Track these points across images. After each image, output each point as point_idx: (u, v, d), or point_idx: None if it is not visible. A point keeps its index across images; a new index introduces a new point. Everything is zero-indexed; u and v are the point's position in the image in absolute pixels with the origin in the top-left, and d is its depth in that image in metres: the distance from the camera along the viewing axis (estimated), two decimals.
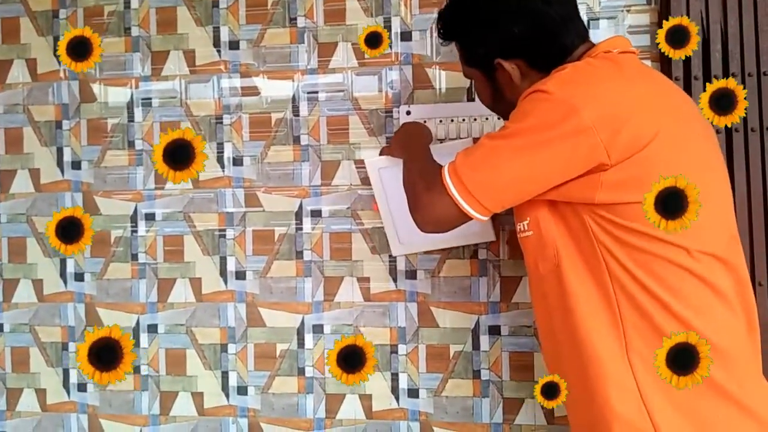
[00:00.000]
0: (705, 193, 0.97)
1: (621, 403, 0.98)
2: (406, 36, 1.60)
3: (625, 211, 0.96)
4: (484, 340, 1.58)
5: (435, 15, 1.55)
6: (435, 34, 1.57)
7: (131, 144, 1.71)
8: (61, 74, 1.74)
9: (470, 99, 1.57)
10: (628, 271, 0.97)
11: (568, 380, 1.08)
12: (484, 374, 1.58)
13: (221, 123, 1.67)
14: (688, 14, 1.43)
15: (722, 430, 0.97)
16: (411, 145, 1.32)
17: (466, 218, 1.03)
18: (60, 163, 1.75)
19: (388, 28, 1.60)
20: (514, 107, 1.02)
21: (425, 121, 1.56)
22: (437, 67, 1.59)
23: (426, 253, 1.59)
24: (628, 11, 1.52)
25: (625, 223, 0.96)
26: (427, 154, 1.29)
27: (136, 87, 1.71)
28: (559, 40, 1.06)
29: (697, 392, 0.96)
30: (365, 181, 1.60)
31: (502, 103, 1.15)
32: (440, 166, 1.07)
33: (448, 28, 1.17)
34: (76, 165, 1.74)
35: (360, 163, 1.62)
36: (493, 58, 1.09)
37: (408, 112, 1.59)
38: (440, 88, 1.59)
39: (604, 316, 1.00)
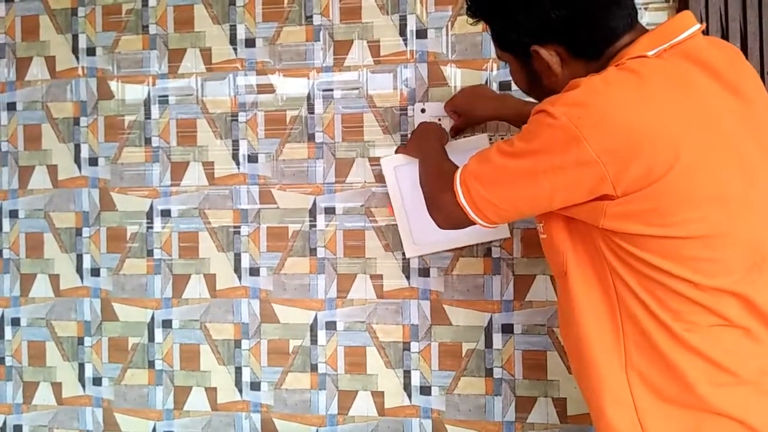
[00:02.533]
0: (726, 224, 0.89)
1: (616, 416, 0.97)
2: (421, 33, 1.60)
3: (631, 239, 0.91)
4: (497, 339, 1.57)
5: (450, 12, 1.56)
6: (451, 31, 1.58)
7: (148, 141, 1.73)
8: (80, 71, 1.76)
9: None
10: (633, 293, 0.95)
11: (583, 390, 1.08)
12: (497, 372, 1.57)
13: (237, 120, 1.68)
14: (706, 11, 1.42)
15: None
16: (426, 146, 1.33)
17: (475, 223, 1.05)
18: (77, 159, 1.76)
19: (404, 25, 1.60)
20: (553, 94, 0.95)
21: (440, 119, 1.56)
22: (453, 65, 1.59)
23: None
24: (645, 9, 1.51)
25: (631, 250, 0.92)
26: (443, 154, 1.30)
27: (153, 84, 1.73)
28: (602, 23, 0.95)
29: (694, 414, 0.94)
30: (379, 178, 1.61)
31: (539, 90, 1.06)
32: (455, 167, 1.08)
33: (476, 5, 1.05)
34: (93, 161, 1.76)
35: (374, 161, 1.62)
36: (529, 44, 0.99)
37: (423, 110, 1.59)
38: (455, 86, 1.59)
39: (607, 329, 0.98)
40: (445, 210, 1.10)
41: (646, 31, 0.97)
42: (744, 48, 1.40)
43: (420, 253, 1.57)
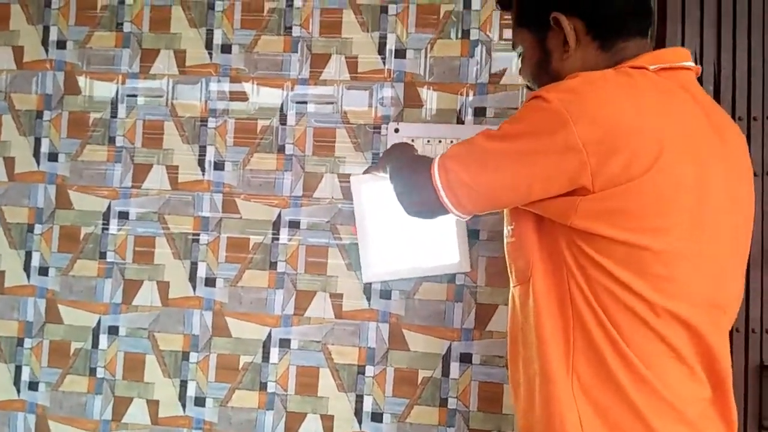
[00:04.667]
0: (696, 244, 0.90)
1: (560, 424, 0.94)
2: (400, 53, 1.59)
3: (597, 242, 0.90)
4: (455, 368, 1.53)
5: (431, 35, 1.56)
6: (430, 53, 1.57)
7: (112, 140, 1.68)
8: (48, 64, 1.71)
9: (460, 121, 1.56)
10: (589, 304, 0.93)
11: (520, 400, 1.05)
12: (452, 403, 1.53)
13: (206, 126, 1.64)
14: None
15: None
16: (400, 154, 1.29)
17: (446, 211, 1.00)
18: (37, 153, 1.70)
19: (383, 44, 1.59)
20: (557, 81, 0.97)
21: (413, 140, 1.54)
22: (429, 87, 1.58)
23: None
24: None
25: (594, 256, 0.91)
26: (419, 156, 1.28)
27: (123, 83, 1.68)
28: (625, 10, 0.99)
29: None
30: (347, 195, 1.57)
31: (545, 75, 1.05)
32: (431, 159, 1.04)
33: None
34: (53, 157, 1.70)
35: (343, 177, 1.59)
36: (550, 10, 1.00)
37: (396, 130, 1.57)
38: (431, 108, 1.58)
39: (559, 339, 0.96)
40: (413, 193, 1.05)
41: (650, 50, 1.00)
42: (716, 91, 1.42)
43: (377, 279, 1.54)
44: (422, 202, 1.04)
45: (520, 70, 1.16)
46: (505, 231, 1.09)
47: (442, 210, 1.01)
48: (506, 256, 1.10)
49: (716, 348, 0.94)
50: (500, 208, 1.03)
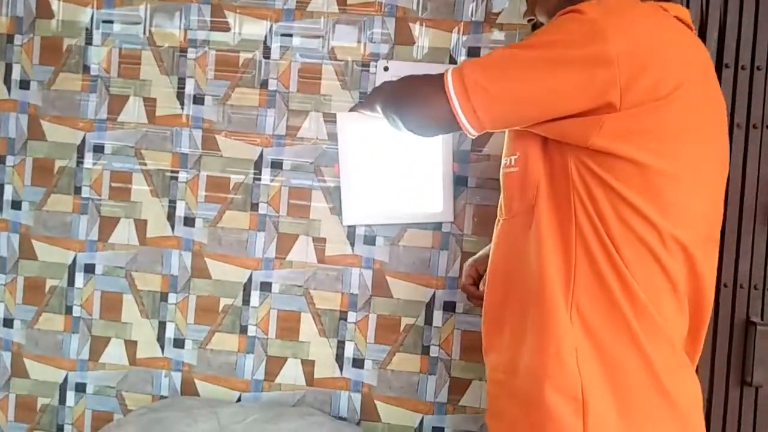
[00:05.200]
0: (702, 176, 0.93)
1: (556, 356, 0.92)
2: None
3: (612, 164, 0.90)
4: (438, 316, 1.51)
5: None
6: None
7: (86, 69, 1.59)
8: None
9: (452, 61, 1.48)
10: (596, 233, 0.92)
11: (506, 333, 1.02)
12: (434, 351, 1.51)
13: (185, 56, 1.56)
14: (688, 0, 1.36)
15: (640, 403, 0.93)
16: (389, 87, 1.21)
17: (455, 126, 0.94)
18: (8, 81, 1.61)
19: None
20: None
21: None
22: (422, 23, 1.50)
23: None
24: None
25: (607, 179, 0.90)
26: None
27: (99, 7, 1.58)
28: None
29: (630, 371, 0.92)
30: (333, 136, 1.51)
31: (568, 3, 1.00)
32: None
33: None
34: (24, 84, 1.61)
35: (329, 117, 1.52)
36: None
37: (386, 68, 1.50)
38: (423, 46, 1.50)
39: (561, 267, 0.94)
40: (421, 105, 0.97)
41: None
42: (721, 40, 1.35)
43: (358, 222, 1.50)
44: (429, 113, 0.97)
45: (527, 11, 1.13)
46: (504, 162, 1.05)
47: (451, 123, 0.94)
48: (503, 190, 1.05)
49: (706, 284, 0.97)
50: (514, 124, 0.97)
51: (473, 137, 1.01)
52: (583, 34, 0.87)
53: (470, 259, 1.31)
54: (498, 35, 1.48)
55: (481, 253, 1.31)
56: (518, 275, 1.01)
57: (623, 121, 0.88)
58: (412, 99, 0.99)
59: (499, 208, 1.08)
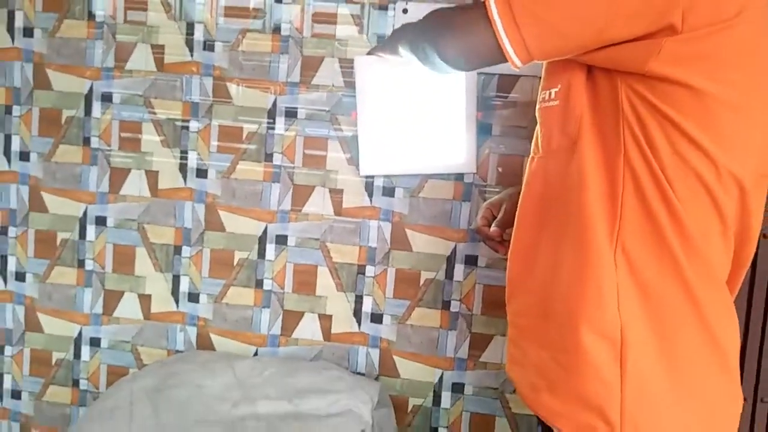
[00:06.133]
0: (760, 108, 0.86)
1: (596, 298, 0.88)
2: None
3: (668, 92, 0.83)
4: (459, 270, 1.46)
5: None
6: None
7: (92, 16, 1.52)
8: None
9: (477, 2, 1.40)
10: (649, 166, 0.86)
11: (537, 274, 0.98)
12: (454, 306, 1.46)
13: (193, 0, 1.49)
14: None
15: (684, 343, 0.89)
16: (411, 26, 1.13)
17: (499, 56, 0.87)
18: (11, 29, 1.55)
19: None
20: None
21: None
22: None
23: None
24: None
25: (662, 107, 0.84)
26: None
27: None
28: None
29: (676, 311, 0.88)
30: (350, 84, 1.44)
31: None
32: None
33: None
34: (28, 32, 1.54)
35: (345, 63, 1.45)
36: None
37: (405, 11, 1.42)
38: None
39: (606, 204, 0.88)
40: (460, 29, 0.89)
41: None
42: None
43: (376, 173, 1.44)
44: (470, 42, 0.88)
45: None
46: (542, 96, 0.98)
47: (495, 52, 0.86)
48: (540, 125, 0.99)
49: (754, 222, 0.92)
50: (566, 53, 0.89)
51: (518, 69, 0.93)
52: None
53: (486, 202, 1.26)
54: None
55: (498, 196, 1.25)
56: (554, 214, 0.95)
57: (684, 44, 0.81)
58: (449, 27, 0.90)
59: (534, 146, 1.01)
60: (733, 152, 0.85)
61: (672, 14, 0.80)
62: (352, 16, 1.45)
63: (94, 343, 1.58)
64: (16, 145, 1.57)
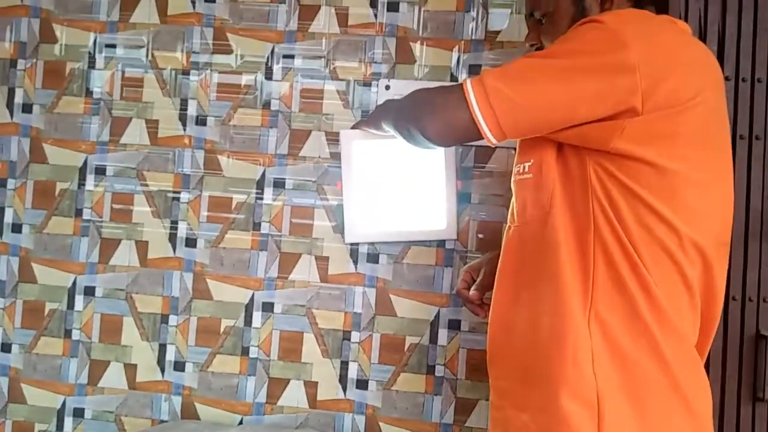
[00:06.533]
0: (716, 182, 0.95)
1: (572, 363, 0.91)
2: (393, 6, 1.52)
3: (632, 168, 0.91)
4: (443, 334, 1.48)
5: None
6: (423, 8, 1.50)
7: (89, 92, 1.59)
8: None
9: (453, 79, 1.49)
10: (617, 237, 0.92)
11: (516, 340, 1.01)
12: (439, 370, 1.48)
13: (188, 79, 1.57)
14: (686, 12, 1.37)
15: (658, 406, 0.92)
16: (394, 103, 1.22)
17: (476, 135, 0.94)
18: (10, 104, 1.62)
19: None
20: None
21: None
22: (423, 42, 1.51)
23: None
24: None
25: (627, 182, 0.91)
26: None
27: (101, 32, 1.60)
28: None
29: (648, 375, 0.92)
30: (335, 155, 1.51)
31: None
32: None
33: None
34: (27, 108, 1.61)
35: (331, 136, 1.52)
36: None
37: (387, 87, 1.51)
38: (423, 65, 1.51)
39: (578, 273, 0.93)
40: (441, 112, 0.97)
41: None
42: (720, 51, 1.36)
43: (361, 240, 1.49)
44: (449, 122, 0.97)
45: (530, 36, 1.13)
46: (516, 170, 1.05)
47: (472, 131, 0.94)
48: (515, 197, 1.05)
49: (718, 288, 0.98)
50: (536, 132, 0.97)
51: (493, 146, 1.01)
52: (604, 42, 0.90)
53: (466, 266, 1.31)
54: (498, 53, 1.49)
55: (477, 260, 1.31)
56: (530, 281, 1.00)
57: (644, 125, 0.89)
58: (430, 108, 0.99)
59: (510, 215, 1.07)
60: (694, 223, 0.92)
61: (633, 98, 0.88)
62: (338, 92, 1.53)
63: (78, 413, 1.56)
64: (8, 217, 1.61)
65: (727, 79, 1.34)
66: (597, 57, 0.89)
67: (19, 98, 1.62)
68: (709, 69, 0.98)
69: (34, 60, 1.62)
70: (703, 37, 1.37)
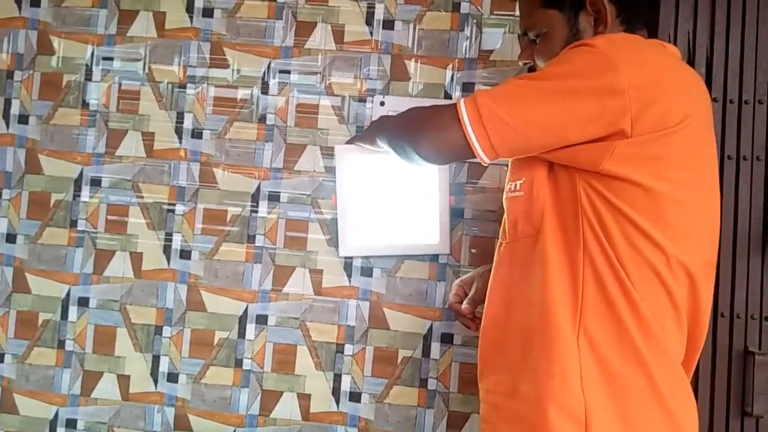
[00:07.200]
0: (703, 203, 0.97)
1: (561, 379, 0.93)
2: (388, 24, 1.54)
3: (621, 189, 0.93)
4: (435, 348, 1.50)
5: (419, 7, 1.51)
6: (419, 26, 1.52)
7: (85, 104, 1.61)
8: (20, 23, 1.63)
9: (447, 96, 1.52)
10: (606, 256, 0.94)
11: (506, 355, 1.03)
12: (431, 384, 1.50)
13: (184, 92, 1.58)
14: (675, 35, 1.40)
15: (645, 424, 0.94)
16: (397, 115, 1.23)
17: (469, 153, 0.96)
18: (6, 115, 1.63)
19: (371, 14, 1.54)
20: None
21: None
22: (417, 60, 1.53)
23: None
24: None
25: (616, 203, 0.93)
26: None
27: (99, 45, 1.61)
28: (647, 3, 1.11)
29: (636, 392, 0.94)
30: (330, 170, 1.53)
31: None
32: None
33: None
34: (23, 119, 1.62)
35: (326, 151, 1.54)
36: None
37: (382, 103, 1.53)
38: (418, 82, 1.53)
39: (568, 290, 0.95)
40: (434, 132, 0.99)
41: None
42: (708, 73, 1.39)
43: (355, 254, 1.50)
44: (442, 140, 0.99)
45: (524, 55, 1.15)
46: (508, 187, 1.07)
47: (465, 150, 0.96)
48: (507, 214, 1.07)
49: (704, 307, 1.00)
50: (528, 152, 0.99)
51: (486, 164, 1.04)
52: (595, 65, 0.91)
53: (458, 280, 1.33)
54: (491, 72, 1.51)
55: (470, 274, 1.33)
56: (520, 297, 1.02)
57: (633, 147, 0.91)
58: (424, 127, 1.01)
59: (501, 232, 1.09)
60: (681, 243, 0.94)
61: (622, 121, 0.90)
62: (333, 107, 1.55)
63: (70, 425, 1.56)
64: (3, 228, 1.61)
65: (714, 100, 1.38)
66: (588, 80, 0.91)
67: (15, 109, 1.62)
68: (697, 93, 1.01)
69: (31, 71, 1.63)
70: (691, 59, 1.40)
